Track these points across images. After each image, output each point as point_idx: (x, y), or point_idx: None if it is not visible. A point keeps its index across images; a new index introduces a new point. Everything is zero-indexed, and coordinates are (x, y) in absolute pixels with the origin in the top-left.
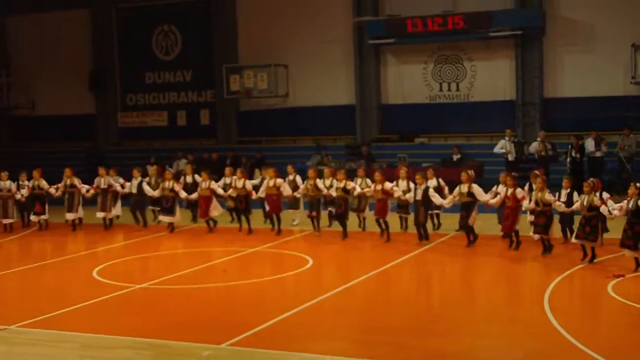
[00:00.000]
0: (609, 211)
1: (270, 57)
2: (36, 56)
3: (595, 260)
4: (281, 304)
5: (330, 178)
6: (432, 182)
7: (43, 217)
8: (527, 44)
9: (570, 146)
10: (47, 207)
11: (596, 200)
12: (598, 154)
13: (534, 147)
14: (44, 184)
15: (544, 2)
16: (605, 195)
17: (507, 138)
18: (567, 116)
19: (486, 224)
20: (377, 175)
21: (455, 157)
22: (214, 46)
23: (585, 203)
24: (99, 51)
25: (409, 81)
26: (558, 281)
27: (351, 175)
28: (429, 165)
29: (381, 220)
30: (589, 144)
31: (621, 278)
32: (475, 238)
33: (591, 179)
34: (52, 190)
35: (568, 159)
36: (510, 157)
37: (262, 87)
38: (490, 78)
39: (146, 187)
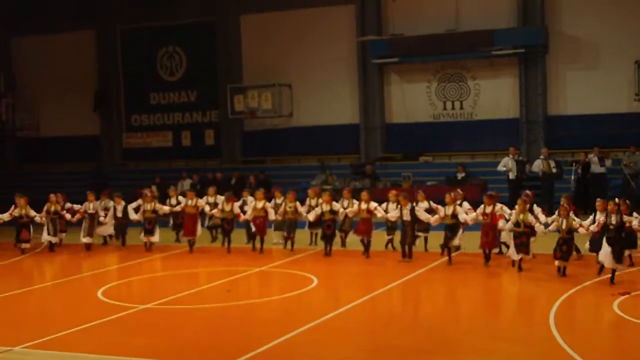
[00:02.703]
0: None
1: (274, 77)
2: (41, 77)
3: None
4: (287, 324)
5: (315, 198)
6: (423, 205)
7: (28, 245)
8: (531, 61)
9: (574, 163)
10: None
11: (575, 223)
12: (602, 170)
13: (537, 165)
14: (31, 212)
15: (546, 20)
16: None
17: (510, 156)
18: (571, 134)
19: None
20: (364, 195)
21: (460, 176)
22: (218, 67)
23: (564, 226)
24: (103, 72)
25: (413, 100)
26: (564, 299)
27: (355, 195)
28: (424, 186)
29: (365, 240)
30: (593, 161)
31: (627, 296)
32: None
33: (566, 201)
34: (37, 219)
35: (573, 177)
36: (511, 176)
37: (267, 107)
38: (493, 96)
39: (130, 212)
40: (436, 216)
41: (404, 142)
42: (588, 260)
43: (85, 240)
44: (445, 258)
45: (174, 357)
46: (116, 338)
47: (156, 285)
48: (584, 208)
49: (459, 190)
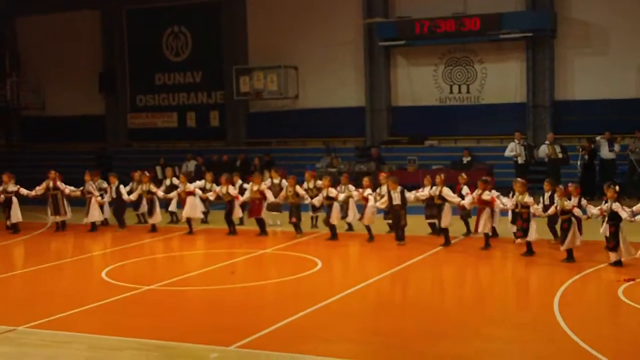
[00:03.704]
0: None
1: (280, 59)
2: (46, 57)
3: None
4: (291, 306)
5: (312, 181)
6: (447, 189)
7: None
8: (538, 46)
9: (581, 149)
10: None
11: (567, 204)
12: (611, 156)
13: (542, 150)
14: (12, 187)
15: (555, 4)
16: (584, 201)
17: (516, 141)
18: (577, 119)
19: (498, 228)
20: (365, 181)
21: (465, 160)
22: (224, 47)
23: (558, 207)
24: (109, 52)
25: (419, 83)
26: (568, 285)
27: (359, 179)
28: (430, 170)
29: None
30: (603, 145)
31: (632, 282)
32: (447, 242)
33: (569, 184)
34: (23, 191)
35: (579, 162)
36: (520, 160)
37: (272, 88)
38: (500, 80)
39: (123, 192)
40: (418, 194)
41: (409, 125)
42: (595, 246)
43: (86, 220)
44: (453, 241)
45: (178, 338)
46: (120, 319)
47: (159, 267)
48: (591, 194)
49: (463, 174)
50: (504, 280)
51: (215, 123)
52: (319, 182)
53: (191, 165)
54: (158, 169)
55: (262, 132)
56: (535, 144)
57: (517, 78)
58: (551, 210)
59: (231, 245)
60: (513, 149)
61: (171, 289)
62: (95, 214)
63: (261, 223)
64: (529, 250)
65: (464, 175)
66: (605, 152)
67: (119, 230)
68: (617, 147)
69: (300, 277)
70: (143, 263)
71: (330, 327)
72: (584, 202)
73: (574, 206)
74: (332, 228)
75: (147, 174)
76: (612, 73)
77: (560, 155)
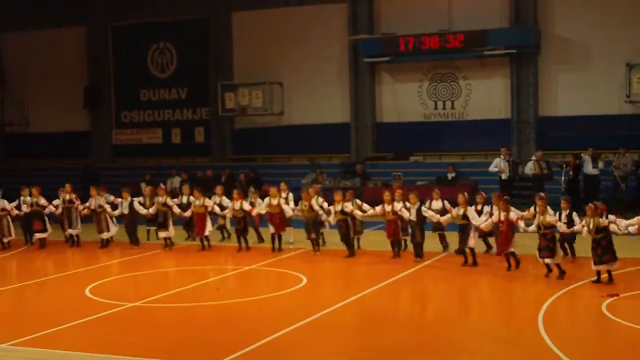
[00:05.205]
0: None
1: (265, 75)
2: (31, 73)
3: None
4: (276, 322)
5: (316, 197)
6: (437, 204)
7: (44, 234)
8: (522, 62)
9: (565, 165)
10: (47, 224)
11: (602, 222)
12: (595, 172)
13: (529, 167)
14: (42, 201)
15: (538, 21)
16: (611, 216)
17: (502, 157)
18: (562, 135)
19: (481, 243)
20: (386, 196)
21: (450, 176)
22: (209, 63)
23: (591, 226)
24: (94, 68)
25: (404, 99)
26: (552, 300)
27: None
28: (414, 185)
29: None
30: (587, 161)
31: (615, 297)
32: (473, 262)
33: (594, 202)
34: (51, 207)
35: (563, 178)
36: (504, 176)
37: (257, 104)
38: (485, 96)
39: (138, 207)
40: (447, 215)
41: (394, 141)
42: (579, 261)
43: (103, 235)
44: (436, 257)
45: (163, 355)
46: (105, 336)
47: (145, 283)
48: (576, 210)
49: (483, 193)
50: (489, 295)
51: (201, 139)
52: (321, 200)
53: (176, 181)
54: (143, 185)
55: (248, 148)
56: (520, 160)
57: (501, 94)
58: (584, 230)
59: (217, 262)
60: (497, 164)
61: (156, 306)
62: (113, 229)
63: (280, 238)
64: (562, 273)
65: (483, 194)
66: (588, 169)
67: (133, 247)
68: (600, 164)
69: (285, 294)
70: (128, 280)
71: (315, 344)
72: (611, 217)
73: (610, 222)
74: (349, 244)
75: (163, 187)
76: (596, 89)
77: (545, 171)
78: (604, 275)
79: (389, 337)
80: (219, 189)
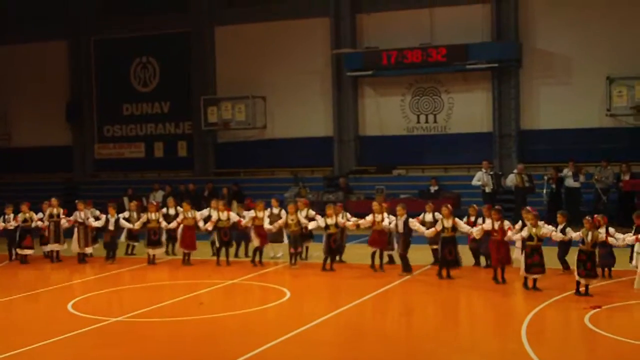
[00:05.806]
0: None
1: (248, 89)
2: (13, 87)
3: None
4: (260, 337)
5: (305, 209)
6: (429, 217)
7: (31, 251)
8: (504, 76)
9: (547, 178)
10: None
11: (601, 236)
12: (576, 185)
13: (510, 179)
14: (35, 216)
15: (520, 35)
16: (611, 229)
17: (484, 170)
18: (543, 148)
19: (466, 256)
20: (375, 205)
21: (433, 189)
22: (192, 78)
23: (589, 239)
24: (76, 82)
25: (387, 113)
26: (536, 312)
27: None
28: (397, 198)
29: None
30: (567, 175)
31: (598, 309)
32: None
33: (595, 215)
34: (39, 222)
35: (545, 191)
36: (487, 189)
37: (240, 118)
38: (467, 110)
39: (123, 223)
40: (432, 229)
41: (377, 155)
42: (558, 272)
43: (88, 250)
44: (420, 270)
45: None
46: (89, 350)
47: (128, 298)
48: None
49: (474, 206)
50: (473, 308)
51: (183, 153)
52: (312, 212)
53: (159, 196)
54: (126, 199)
55: (231, 162)
56: (502, 173)
57: (484, 108)
58: (576, 236)
59: (201, 276)
60: (480, 178)
61: (139, 321)
62: (95, 244)
63: (261, 253)
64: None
65: (475, 206)
66: (570, 182)
67: (109, 262)
68: (582, 178)
69: (269, 308)
70: (110, 295)
71: (299, 358)
72: (611, 230)
73: (608, 235)
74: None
75: (154, 203)
76: (577, 103)
77: (527, 184)
78: (582, 289)
79: (373, 351)
80: (214, 203)
